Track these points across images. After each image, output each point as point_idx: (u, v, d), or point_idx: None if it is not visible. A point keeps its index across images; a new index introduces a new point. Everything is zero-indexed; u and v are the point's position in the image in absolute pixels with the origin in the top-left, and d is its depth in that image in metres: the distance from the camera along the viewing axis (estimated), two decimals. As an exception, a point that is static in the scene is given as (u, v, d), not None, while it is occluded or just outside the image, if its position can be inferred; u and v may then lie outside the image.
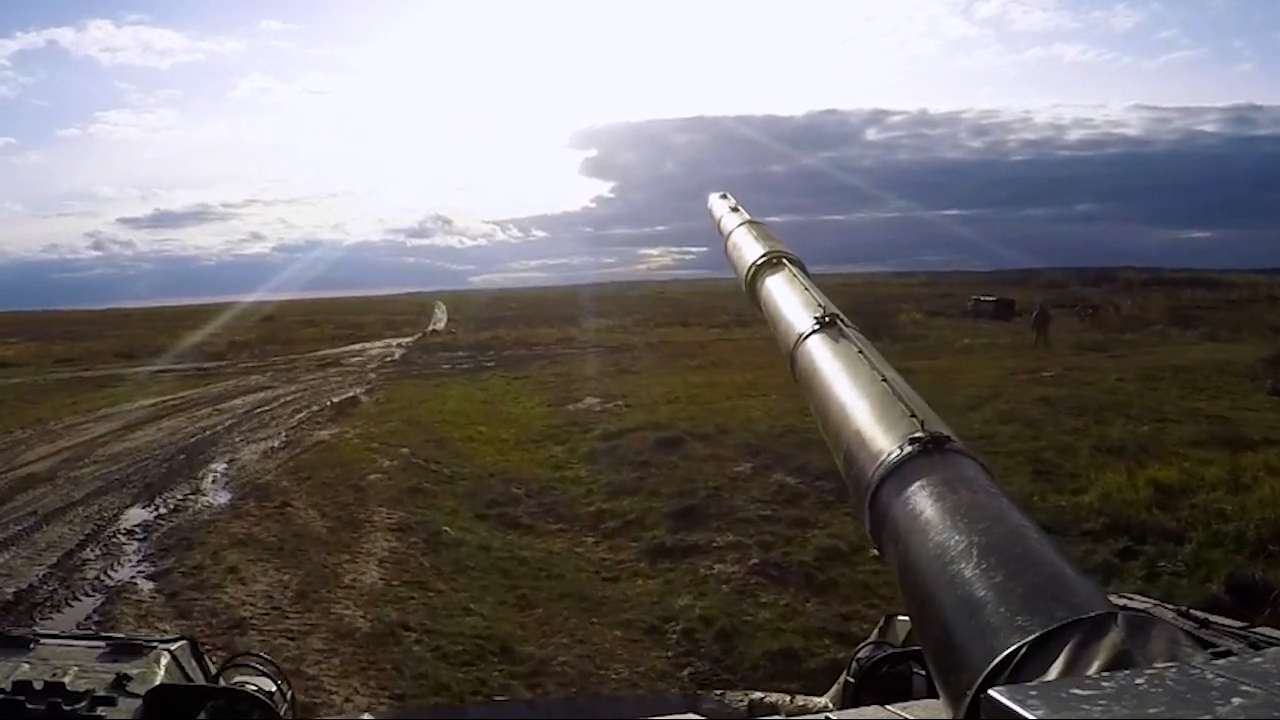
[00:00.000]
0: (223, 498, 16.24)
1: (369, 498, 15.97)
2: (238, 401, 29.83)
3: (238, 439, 22.15)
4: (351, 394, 31.63)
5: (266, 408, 28.03)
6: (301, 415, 25.92)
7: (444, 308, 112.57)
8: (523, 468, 19.01)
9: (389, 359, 48.76)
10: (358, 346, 58.81)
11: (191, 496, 16.34)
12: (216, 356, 53.94)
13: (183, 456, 19.99)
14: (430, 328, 78.54)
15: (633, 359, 41.63)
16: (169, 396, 32.64)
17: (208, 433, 23.26)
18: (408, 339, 65.05)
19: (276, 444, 21.20)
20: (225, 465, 18.96)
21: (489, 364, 43.96)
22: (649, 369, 36.73)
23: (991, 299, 70.54)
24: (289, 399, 30.38)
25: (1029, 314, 67.16)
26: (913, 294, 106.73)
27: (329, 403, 28.84)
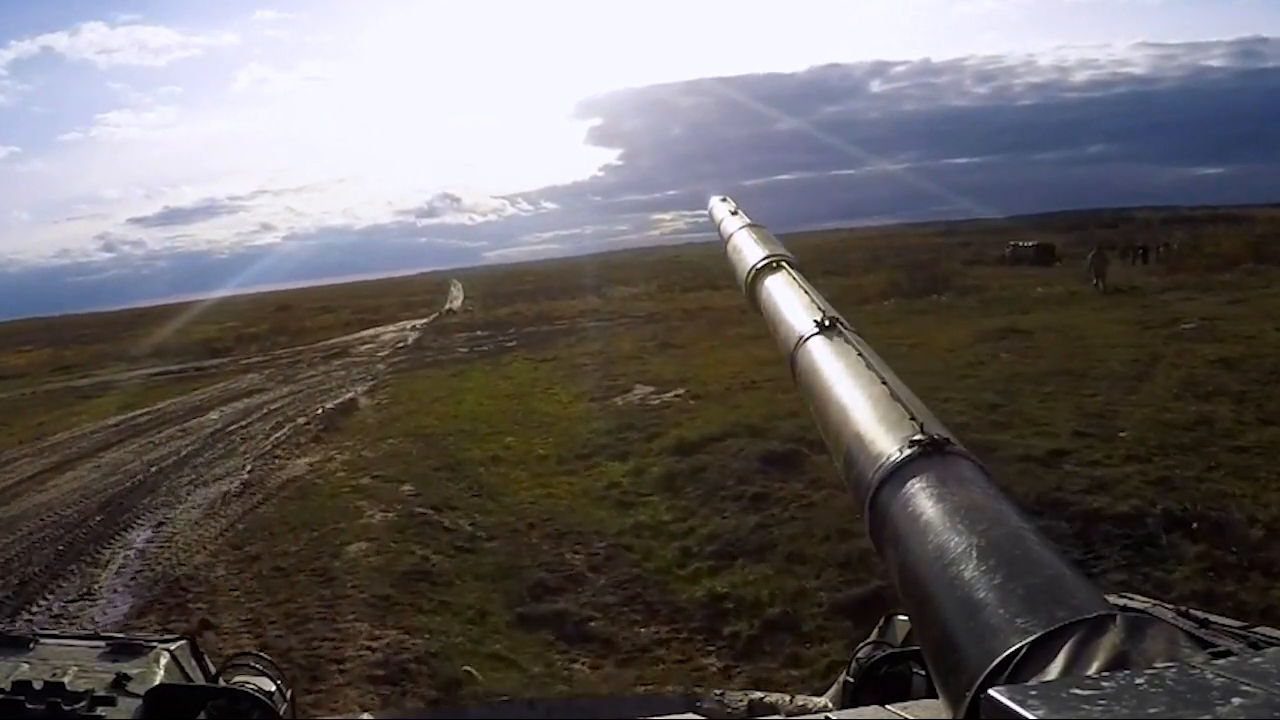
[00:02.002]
0: (116, 608, 9.76)
1: (342, 598, 9.42)
2: (213, 415, 23.32)
3: (186, 480, 15.60)
4: (350, 395, 25.12)
5: (243, 422, 21.52)
6: (282, 433, 19.38)
7: (460, 286, 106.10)
8: (575, 508, 12.46)
9: (402, 345, 42.23)
10: (370, 332, 52.32)
11: (73, 606, 9.88)
12: (221, 352, 48.37)
13: (100, 518, 13.46)
14: (446, 307, 72.09)
15: (671, 330, 34.90)
16: (141, 410, 26.32)
17: (154, 469, 16.75)
18: (423, 320, 58.67)
19: (233, 487, 14.67)
20: (148, 536, 12.36)
21: (510, 344, 37.46)
22: (695, 341, 30.02)
23: (1031, 244, 63.81)
24: (276, 406, 23.88)
25: (1068, 258, 61.78)
26: (930, 244, 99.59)
27: (321, 410, 22.32)
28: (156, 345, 55.87)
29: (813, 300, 2.69)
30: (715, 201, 4.33)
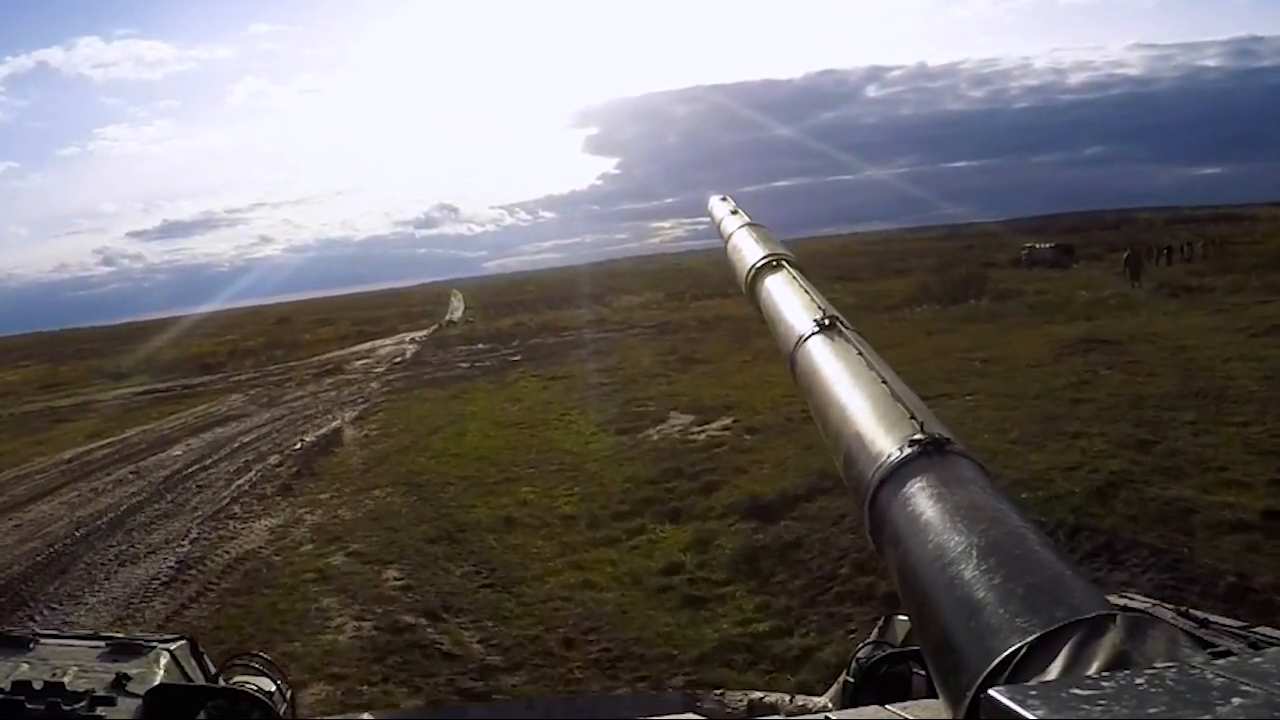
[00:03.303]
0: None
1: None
2: (176, 451, 19.40)
3: (112, 554, 11.61)
4: (336, 423, 21.23)
5: (208, 461, 17.62)
6: (248, 479, 15.46)
7: (460, 296, 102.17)
8: (626, 609, 8.56)
9: (399, 360, 38.34)
10: (367, 346, 48.44)
11: None
12: (214, 368, 44.75)
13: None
14: (447, 318, 68.17)
15: (691, 342, 31.03)
16: (104, 441, 22.55)
17: (80, 532, 12.82)
18: (423, 332, 54.76)
19: (165, 568, 10.69)
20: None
21: (514, 358, 33.63)
22: (722, 355, 26.16)
23: (1048, 245, 60.22)
24: (250, 439, 19.98)
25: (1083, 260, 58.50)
26: (933, 248, 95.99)
27: (300, 444, 18.44)
28: (150, 360, 52.41)
29: (813, 299, 2.60)
30: (715, 201, 4.15)
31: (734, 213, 3.83)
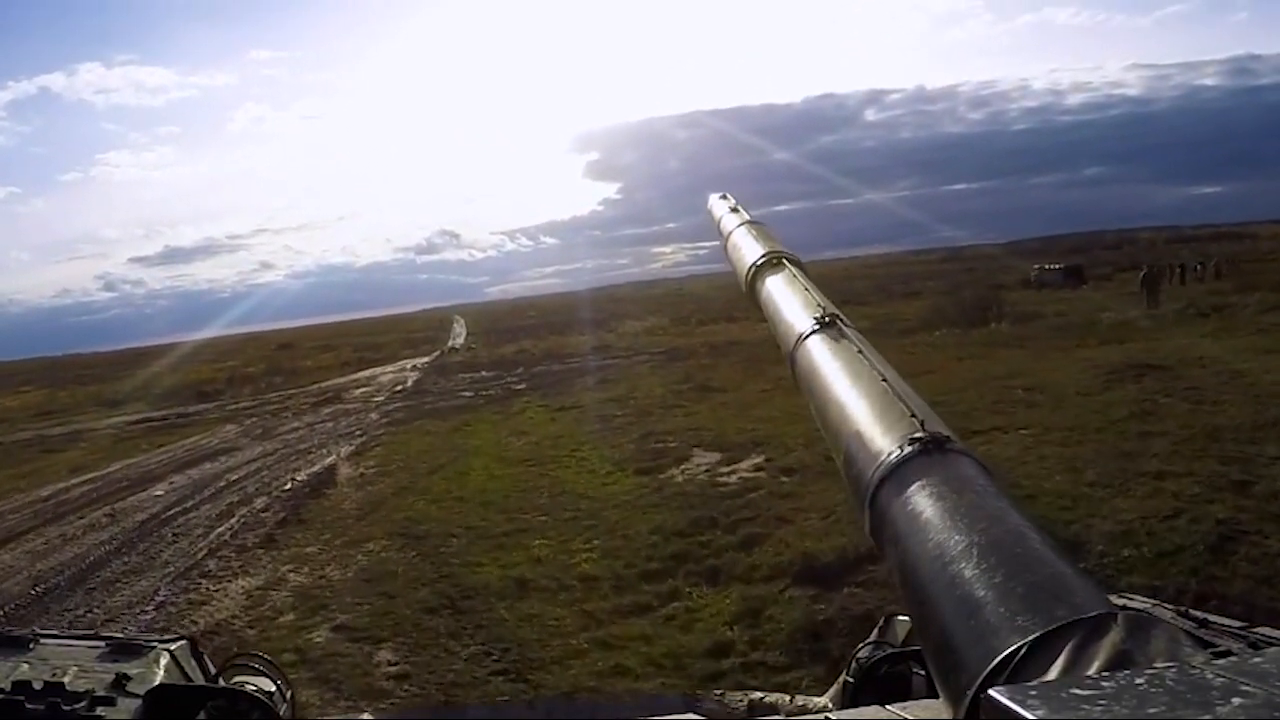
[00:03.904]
0: None
1: None
2: (158, 491, 17.72)
3: (65, 620, 9.98)
4: (331, 459, 19.58)
5: (190, 503, 15.94)
6: (230, 525, 13.78)
7: (462, 322, 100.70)
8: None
9: (400, 388, 36.72)
10: (367, 374, 46.80)
11: None
12: (211, 395, 43.27)
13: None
14: (449, 344, 66.56)
15: (704, 369, 29.37)
16: (87, 476, 21.03)
17: (35, 591, 11.14)
18: (425, 359, 53.18)
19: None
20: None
21: (519, 386, 32.05)
22: (739, 384, 24.50)
23: (1057, 266, 59.12)
24: (238, 477, 18.32)
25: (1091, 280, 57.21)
26: (936, 271, 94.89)
27: (290, 483, 16.78)
28: (148, 387, 50.82)
29: (813, 297, 2.54)
30: (714, 199, 4.03)
31: (734, 210, 3.72)
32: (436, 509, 13.48)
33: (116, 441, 29.61)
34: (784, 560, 9.48)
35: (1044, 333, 28.87)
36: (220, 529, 13.58)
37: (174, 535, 13.54)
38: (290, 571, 10.96)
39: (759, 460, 14.14)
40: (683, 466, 14.72)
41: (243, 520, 14.00)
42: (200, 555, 12.14)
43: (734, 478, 13.38)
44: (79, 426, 36.89)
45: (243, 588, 10.47)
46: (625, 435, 18.48)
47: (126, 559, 12.47)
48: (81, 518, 15.89)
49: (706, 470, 14.20)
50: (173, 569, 11.65)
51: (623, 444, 17.48)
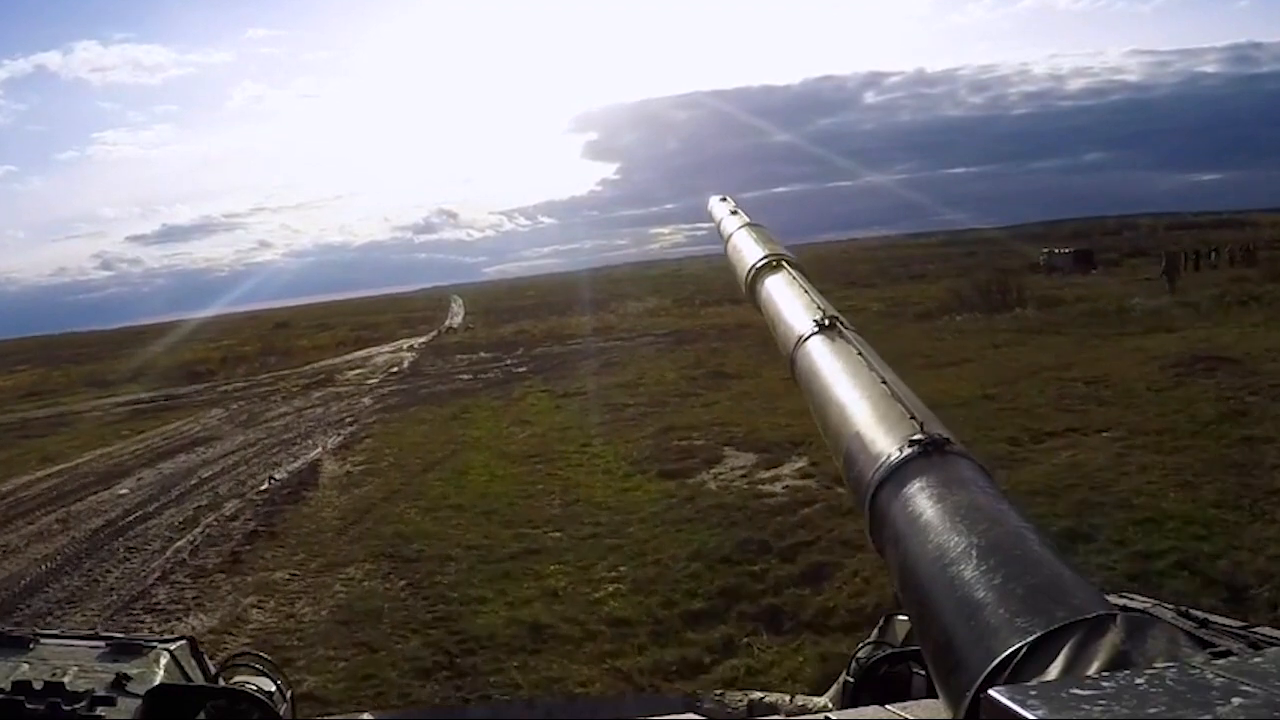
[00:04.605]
0: None
1: None
2: (122, 489, 15.63)
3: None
4: (317, 451, 17.52)
5: (155, 505, 13.86)
6: (191, 538, 11.68)
7: (460, 301, 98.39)
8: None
9: (395, 370, 34.64)
10: (363, 354, 44.70)
11: None
12: (203, 376, 41.07)
13: None
14: (446, 324, 64.37)
15: (716, 353, 27.34)
16: (53, 470, 18.94)
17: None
18: (421, 339, 51.05)
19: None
20: None
21: (520, 369, 29.99)
22: (755, 369, 22.34)
23: (1067, 250, 57.14)
24: (212, 473, 16.24)
25: (1102, 263, 55.27)
26: (936, 254, 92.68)
27: (268, 484, 14.72)
28: (142, 367, 48.59)
29: (812, 299, 2.50)
30: (714, 201, 4.00)
31: (734, 213, 3.69)
32: (431, 521, 11.39)
33: (97, 426, 27.56)
34: (865, 603, 7.45)
35: (1076, 319, 26.82)
36: (180, 542, 11.50)
37: (126, 550, 11.45)
38: (253, 607, 8.88)
39: (803, 464, 12.09)
40: (714, 470, 12.67)
41: (207, 531, 11.92)
42: (152, 579, 10.06)
43: (779, 487, 11.32)
44: (64, 409, 34.84)
45: (192, 629, 8.40)
46: (640, 429, 16.43)
47: (65, 581, 10.39)
48: (31, 523, 13.79)
49: (743, 475, 12.15)
50: (116, 597, 9.58)
51: (639, 439, 15.43)
